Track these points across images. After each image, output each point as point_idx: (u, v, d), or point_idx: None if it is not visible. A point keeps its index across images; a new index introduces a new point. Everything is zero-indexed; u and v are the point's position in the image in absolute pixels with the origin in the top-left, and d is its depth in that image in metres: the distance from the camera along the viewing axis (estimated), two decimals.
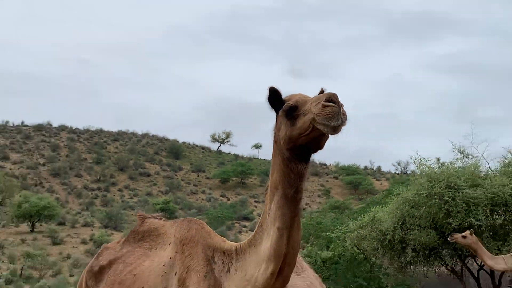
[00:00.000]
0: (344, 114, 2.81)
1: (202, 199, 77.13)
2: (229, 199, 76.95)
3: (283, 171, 3.12)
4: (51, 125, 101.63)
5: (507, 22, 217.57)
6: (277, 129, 3.17)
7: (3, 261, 41.29)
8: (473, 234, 10.46)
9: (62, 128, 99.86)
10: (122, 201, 71.30)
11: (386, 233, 13.99)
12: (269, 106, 3.20)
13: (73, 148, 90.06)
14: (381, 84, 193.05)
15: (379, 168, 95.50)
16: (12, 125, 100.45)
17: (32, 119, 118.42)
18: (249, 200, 77.40)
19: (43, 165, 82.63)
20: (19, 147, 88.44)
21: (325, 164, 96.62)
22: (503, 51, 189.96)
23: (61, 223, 56.43)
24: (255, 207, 74.58)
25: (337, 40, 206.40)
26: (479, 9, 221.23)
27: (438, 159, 15.31)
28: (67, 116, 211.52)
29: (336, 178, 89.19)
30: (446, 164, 14.87)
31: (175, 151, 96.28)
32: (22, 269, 38.38)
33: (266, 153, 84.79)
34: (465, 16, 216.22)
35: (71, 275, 37.69)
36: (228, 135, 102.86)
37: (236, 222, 62.59)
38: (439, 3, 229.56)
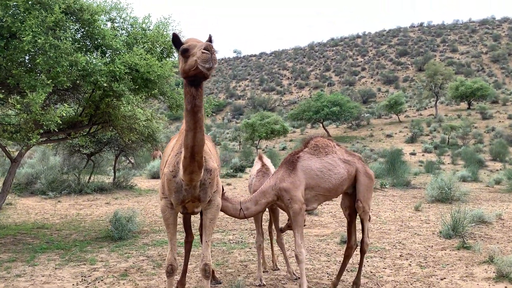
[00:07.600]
0: (215, 60, 2.95)
1: None
2: None
3: (184, 93, 3.23)
4: (494, 18, 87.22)
5: None
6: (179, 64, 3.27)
7: (438, 132, 39.40)
8: None
9: (504, 20, 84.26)
10: None
11: None
12: (173, 46, 3.42)
13: None
14: None
15: None
16: (461, 22, 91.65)
17: (478, 15, 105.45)
18: None
19: (485, 53, 72.89)
20: (466, 40, 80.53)
21: None
22: None
23: (494, 102, 49.22)
24: None
25: None
26: None
27: None
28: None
29: None
30: None
31: None
32: (449, 138, 35.57)
33: None
34: None
35: (490, 144, 31.79)
36: None
37: None
38: None
